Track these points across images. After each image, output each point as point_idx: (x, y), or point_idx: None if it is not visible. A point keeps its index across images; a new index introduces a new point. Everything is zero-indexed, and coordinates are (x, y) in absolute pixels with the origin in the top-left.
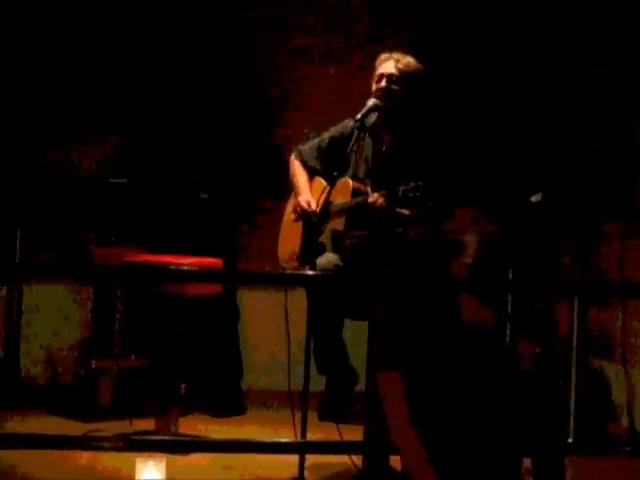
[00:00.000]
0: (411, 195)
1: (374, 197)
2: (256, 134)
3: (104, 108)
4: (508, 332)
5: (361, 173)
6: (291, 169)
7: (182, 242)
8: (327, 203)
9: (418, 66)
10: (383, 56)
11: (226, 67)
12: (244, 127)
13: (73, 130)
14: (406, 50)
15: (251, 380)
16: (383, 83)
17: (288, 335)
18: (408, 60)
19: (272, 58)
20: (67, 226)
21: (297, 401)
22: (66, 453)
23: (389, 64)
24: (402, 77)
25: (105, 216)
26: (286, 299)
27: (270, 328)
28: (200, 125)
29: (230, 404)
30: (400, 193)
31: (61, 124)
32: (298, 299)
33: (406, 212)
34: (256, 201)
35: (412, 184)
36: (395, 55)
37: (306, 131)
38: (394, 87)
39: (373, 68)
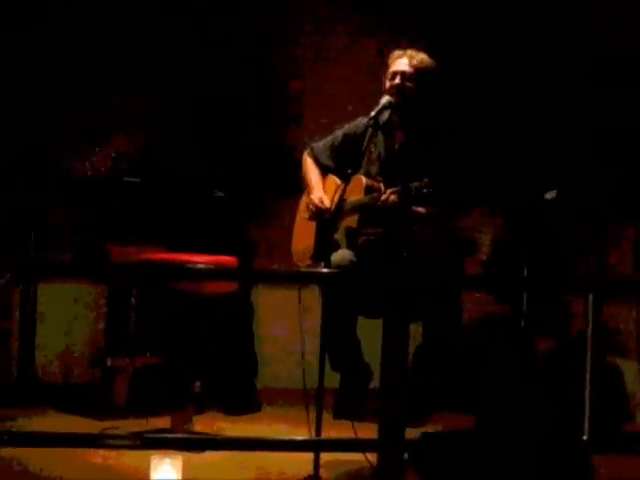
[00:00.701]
0: (424, 191)
1: (386, 194)
2: (271, 132)
3: (119, 107)
4: (524, 329)
5: (374, 170)
6: (304, 167)
7: (197, 240)
8: (341, 200)
9: (432, 63)
10: (396, 53)
11: (240, 66)
12: (260, 125)
13: (88, 130)
14: (419, 47)
15: (266, 378)
16: (397, 80)
17: (302, 332)
18: (422, 57)
19: (288, 56)
20: (83, 225)
21: (312, 398)
22: (81, 451)
23: (403, 61)
24: (416, 74)
25: (121, 215)
26: (300, 296)
27: (285, 325)
28: (214, 123)
29: (245, 402)
30: (413, 190)
31: (76, 124)
32: (313, 296)
33: (422, 210)
34: (269, 199)
35: (425, 180)
36: (409, 52)
37: (321, 128)
38: (408, 84)
39: (386, 65)
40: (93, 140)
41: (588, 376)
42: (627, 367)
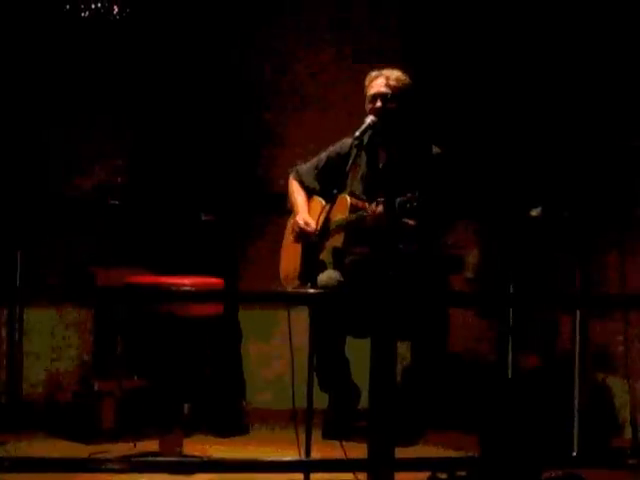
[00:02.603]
0: (408, 206)
1: (372, 207)
2: (256, 153)
3: (103, 130)
4: (510, 346)
5: (358, 190)
6: (289, 189)
7: (183, 262)
8: (327, 221)
9: (407, 79)
10: (373, 74)
11: (223, 87)
12: (244, 147)
13: (72, 152)
14: (393, 65)
15: (255, 399)
16: (378, 103)
17: (292, 353)
18: (397, 75)
19: (273, 78)
20: (68, 248)
21: (301, 419)
22: (69, 476)
23: (380, 82)
24: (394, 93)
25: (106, 237)
26: (289, 317)
27: (273, 347)
28: (199, 146)
29: (233, 424)
30: (398, 205)
31: (61, 147)
32: (302, 317)
33: (411, 222)
34: (255, 221)
35: (409, 195)
36: (384, 72)
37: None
38: (389, 105)
39: (365, 87)
40: (77, 164)
41: (576, 392)
42: (615, 383)
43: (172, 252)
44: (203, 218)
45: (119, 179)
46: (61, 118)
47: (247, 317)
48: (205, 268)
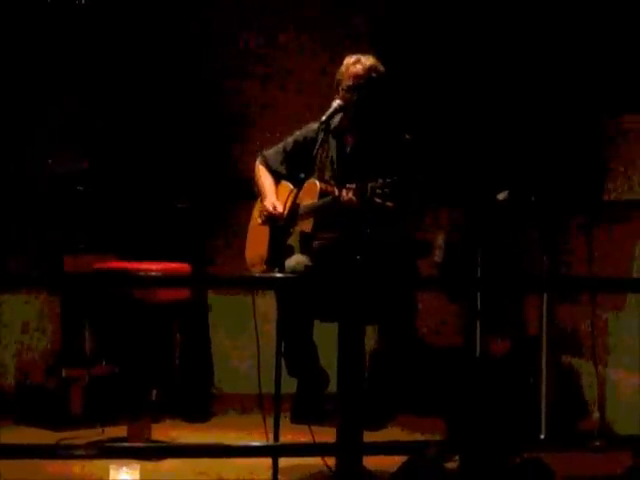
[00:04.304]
0: (379, 192)
1: (344, 193)
2: (227, 141)
3: (72, 115)
4: (478, 330)
5: (327, 174)
6: (256, 174)
7: (155, 249)
8: (294, 205)
9: (381, 67)
10: (351, 60)
11: (197, 75)
12: (217, 134)
13: (40, 138)
14: (367, 51)
15: (223, 384)
16: (354, 97)
17: (257, 338)
18: (371, 61)
19: (243, 69)
20: (37, 235)
21: (269, 404)
22: (38, 462)
23: (355, 67)
24: (367, 77)
25: (74, 224)
26: (254, 302)
27: (243, 332)
28: (171, 131)
29: (202, 409)
30: (369, 190)
31: (28, 133)
32: (269, 301)
33: (389, 204)
34: (227, 207)
35: (380, 181)
36: (360, 57)
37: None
38: (363, 93)
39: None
40: (45, 149)
41: (543, 375)
42: (582, 366)
43: (145, 239)
44: (178, 205)
45: (87, 165)
46: (28, 103)
47: (218, 302)
48: (177, 255)
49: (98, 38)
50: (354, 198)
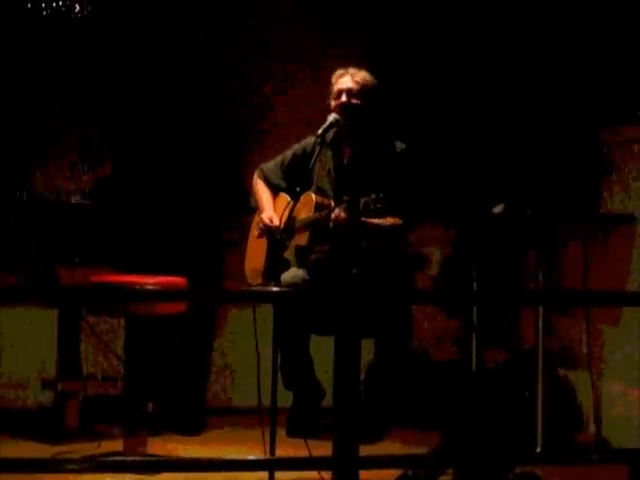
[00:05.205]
0: (372, 207)
1: (336, 212)
2: (225, 154)
3: (66, 128)
4: (474, 343)
5: (324, 187)
6: (254, 187)
7: (151, 261)
8: (291, 218)
9: (373, 80)
10: (339, 72)
11: (191, 86)
12: (214, 147)
13: (35, 153)
14: (359, 65)
15: (220, 397)
16: (343, 98)
17: (257, 351)
18: (363, 74)
19: (244, 79)
20: (32, 247)
21: (266, 417)
22: (34, 477)
23: (346, 79)
24: (360, 90)
25: (70, 237)
26: (254, 315)
27: (239, 345)
28: (168, 143)
29: (198, 422)
30: (362, 205)
31: (24, 145)
32: (267, 315)
33: (378, 221)
34: (226, 219)
35: (373, 196)
36: (350, 70)
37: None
38: (354, 101)
39: (329, 85)
40: (40, 163)
41: (539, 388)
42: (578, 378)
43: (142, 252)
44: (176, 216)
45: (83, 178)
46: (26, 115)
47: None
48: (174, 267)
49: (93, 52)
50: (343, 215)
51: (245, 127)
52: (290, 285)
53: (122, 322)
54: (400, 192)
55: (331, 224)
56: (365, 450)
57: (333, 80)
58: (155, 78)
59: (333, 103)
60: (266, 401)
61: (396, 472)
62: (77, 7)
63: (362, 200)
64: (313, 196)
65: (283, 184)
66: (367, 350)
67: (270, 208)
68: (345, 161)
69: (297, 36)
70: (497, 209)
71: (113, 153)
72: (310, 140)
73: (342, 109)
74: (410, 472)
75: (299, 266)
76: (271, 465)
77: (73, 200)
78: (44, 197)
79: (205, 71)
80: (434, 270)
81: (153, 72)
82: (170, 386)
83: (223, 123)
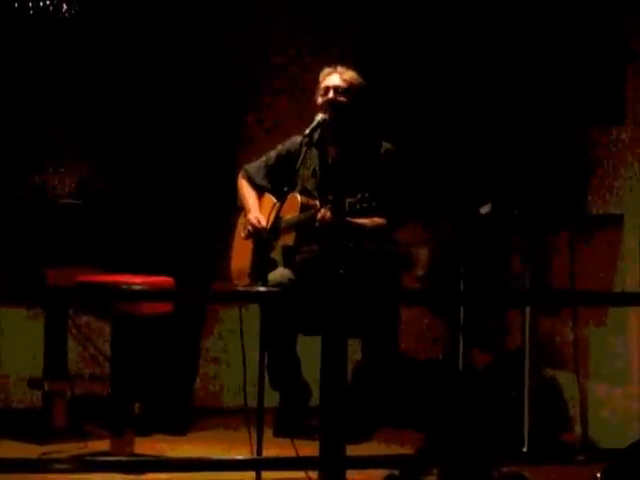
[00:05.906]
0: (357, 207)
1: (321, 212)
2: (216, 153)
3: (55, 127)
4: (461, 343)
5: (310, 187)
6: (239, 189)
7: (135, 261)
8: (277, 219)
9: (361, 79)
10: (327, 70)
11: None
12: (205, 146)
13: (24, 153)
14: (348, 64)
15: (207, 397)
16: (330, 95)
17: (243, 352)
18: (351, 73)
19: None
20: (18, 247)
21: (253, 417)
22: (20, 477)
23: (334, 77)
24: (347, 88)
25: (57, 237)
26: (241, 315)
27: (226, 345)
28: (154, 143)
29: (185, 422)
30: (347, 205)
31: (12, 146)
32: (254, 315)
33: (364, 221)
34: (213, 219)
35: (359, 196)
36: (339, 68)
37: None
38: (341, 98)
39: (317, 83)
40: (27, 164)
41: (526, 388)
42: (564, 379)
43: (124, 251)
44: (166, 216)
45: (70, 178)
46: (10, 117)
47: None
48: (161, 267)
49: (80, 52)
50: (329, 215)
51: (238, 127)
52: (277, 285)
53: (109, 322)
54: (385, 192)
55: (317, 224)
56: (352, 450)
57: (321, 78)
58: (145, 78)
59: (320, 100)
60: (253, 401)
61: (383, 472)
62: (64, 6)
63: (347, 200)
64: (298, 197)
65: (267, 185)
66: (354, 350)
67: (256, 209)
68: (330, 161)
69: (292, 35)
70: (484, 209)
71: (101, 153)
72: (296, 140)
73: (329, 106)
74: (397, 472)
75: (286, 266)
76: (258, 465)
77: (60, 200)
78: (31, 197)
79: (195, 71)
80: (421, 270)
81: (143, 72)
82: (157, 386)
83: (215, 123)
